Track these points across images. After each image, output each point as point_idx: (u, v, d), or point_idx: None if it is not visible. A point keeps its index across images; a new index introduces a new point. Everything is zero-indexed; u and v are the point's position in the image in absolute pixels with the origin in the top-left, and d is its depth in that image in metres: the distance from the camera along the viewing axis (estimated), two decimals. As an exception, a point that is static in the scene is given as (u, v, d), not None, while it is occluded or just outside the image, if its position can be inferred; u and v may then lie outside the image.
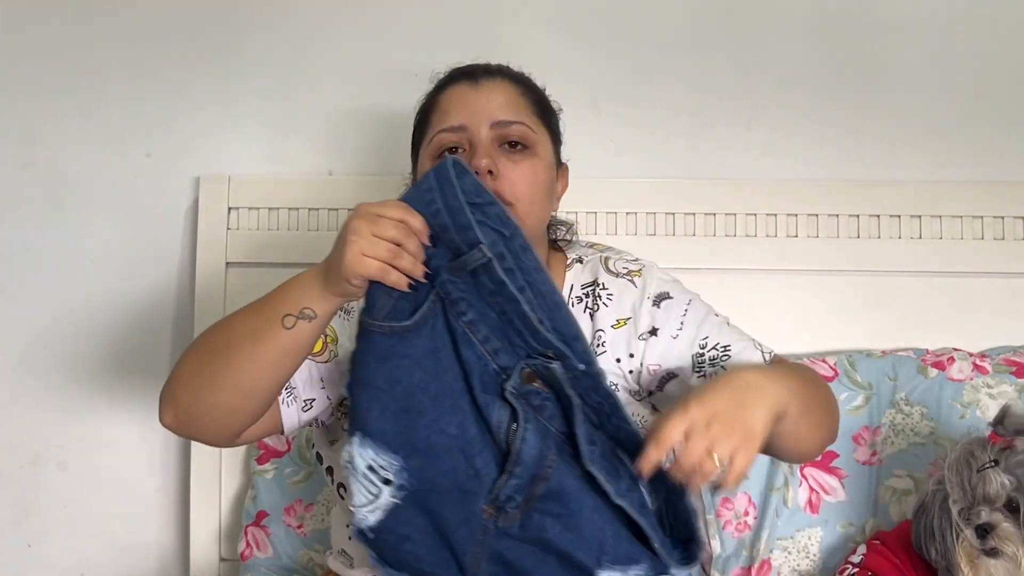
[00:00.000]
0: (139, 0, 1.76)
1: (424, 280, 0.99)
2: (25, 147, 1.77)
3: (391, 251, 0.96)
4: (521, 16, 1.72)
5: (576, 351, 1.01)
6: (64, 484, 1.75)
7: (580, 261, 1.23)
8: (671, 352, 1.14)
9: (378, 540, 1.03)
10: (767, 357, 1.14)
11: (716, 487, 0.94)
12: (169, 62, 1.75)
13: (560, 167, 1.23)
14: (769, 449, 1.03)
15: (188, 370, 1.06)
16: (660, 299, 1.17)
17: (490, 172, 1.09)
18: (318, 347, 1.12)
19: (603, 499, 0.99)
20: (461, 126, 1.13)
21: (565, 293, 1.19)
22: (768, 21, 1.71)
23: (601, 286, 1.18)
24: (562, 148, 1.24)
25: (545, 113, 1.20)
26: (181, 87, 1.75)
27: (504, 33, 1.71)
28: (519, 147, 1.14)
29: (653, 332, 1.15)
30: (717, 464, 0.91)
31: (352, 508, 1.02)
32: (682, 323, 1.15)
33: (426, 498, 1.01)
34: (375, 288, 0.99)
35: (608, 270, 1.20)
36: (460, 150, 1.13)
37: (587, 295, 1.19)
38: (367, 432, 1.00)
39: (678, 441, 0.91)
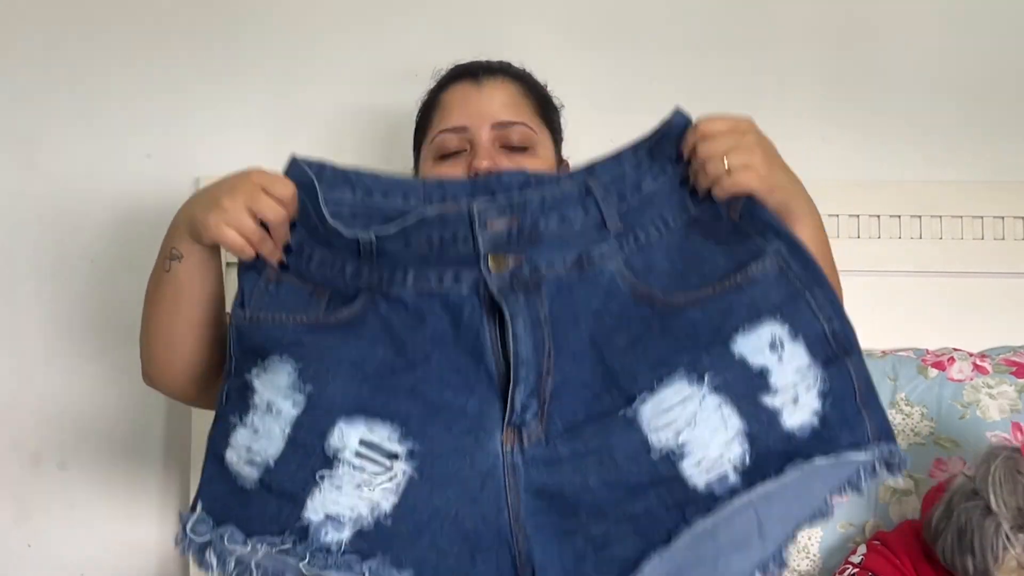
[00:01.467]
0: (139, 1, 1.76)
1: (276, 268, 0.99)
2: (25, 148, 1.77)
3: (257, 234, 0.96)
4: (522, 16, 1.73)
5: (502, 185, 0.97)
6: (64, 484, 1.75)
7: None
8: None
9: (392, 533, 0.90)
10: None
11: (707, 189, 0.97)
12: (169, 63, 1.75)
13: (560, 164, 1.22)
14: None
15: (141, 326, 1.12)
16: None
17: (490, 172, 1.09)
18: None
19: (608, 341, 0.94)
20: (462, 127, 1.13)
21: None
22: (768, 21, 1.72)
23: None
24: (562, 147, 1.24)
25: (546, 111, 1.20)
26: (181, 87, 1.75)
27: (504, 33, 1.71)
28: (519, 149, 1.13)
29: None
30: (725, 166, 0.94)
31: (353, 496, 0.90)
32: None
33: (435, 468, 0.91)
34: (296, 296, 0.98)
35: None
36: (462, 151, 1.13)
37: None
38: (350, 411, 0.91)
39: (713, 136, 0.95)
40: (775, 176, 0.97)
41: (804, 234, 0.99)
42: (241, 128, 1.75)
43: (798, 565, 1.44)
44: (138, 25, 1.75)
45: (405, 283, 0.95)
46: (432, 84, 1.23)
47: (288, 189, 0.97)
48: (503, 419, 0.92)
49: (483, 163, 1.09)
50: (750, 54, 1.71)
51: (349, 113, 1.74)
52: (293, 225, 1.00)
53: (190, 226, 1.00)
